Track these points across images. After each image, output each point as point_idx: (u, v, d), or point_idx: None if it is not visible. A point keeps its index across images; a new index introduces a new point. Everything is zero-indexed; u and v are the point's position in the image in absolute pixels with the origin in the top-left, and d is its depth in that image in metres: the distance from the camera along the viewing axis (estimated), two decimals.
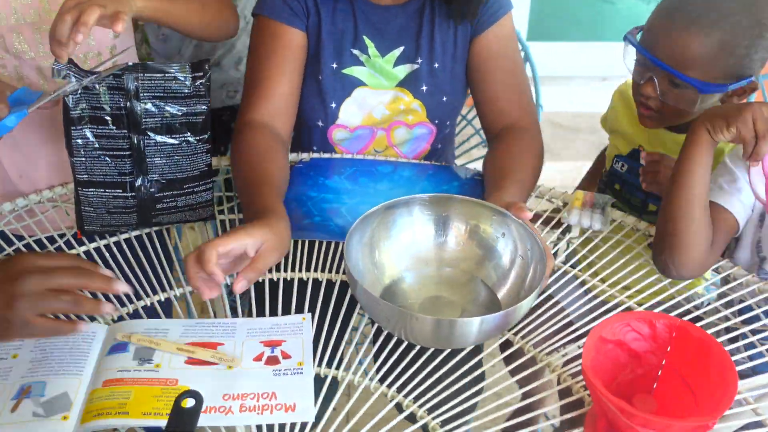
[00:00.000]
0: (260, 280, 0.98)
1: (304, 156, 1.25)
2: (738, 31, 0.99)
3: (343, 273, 1.01)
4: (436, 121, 1.25)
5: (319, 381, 0.85)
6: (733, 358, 0.85)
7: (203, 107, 1.01)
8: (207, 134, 1.03)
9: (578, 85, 3.12)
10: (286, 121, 1.19)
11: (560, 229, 1.15)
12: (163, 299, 0.98)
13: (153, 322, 0.91)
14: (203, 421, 0.78)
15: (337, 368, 0.87)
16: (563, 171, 2.63)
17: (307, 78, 1.21)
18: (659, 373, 0.78)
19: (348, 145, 1.28)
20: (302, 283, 0.99)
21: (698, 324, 0.92)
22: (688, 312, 0.97)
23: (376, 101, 1.23)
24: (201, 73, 0.98)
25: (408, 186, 1.21)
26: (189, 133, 1.01)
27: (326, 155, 1.27)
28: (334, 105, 1.22)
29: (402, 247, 0.98)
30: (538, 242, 0.89)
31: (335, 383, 0.86)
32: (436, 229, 0.99)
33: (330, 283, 1.00)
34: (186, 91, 0.99)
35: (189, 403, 0.76)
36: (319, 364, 0.87)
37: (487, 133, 1.25)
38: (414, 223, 0.98)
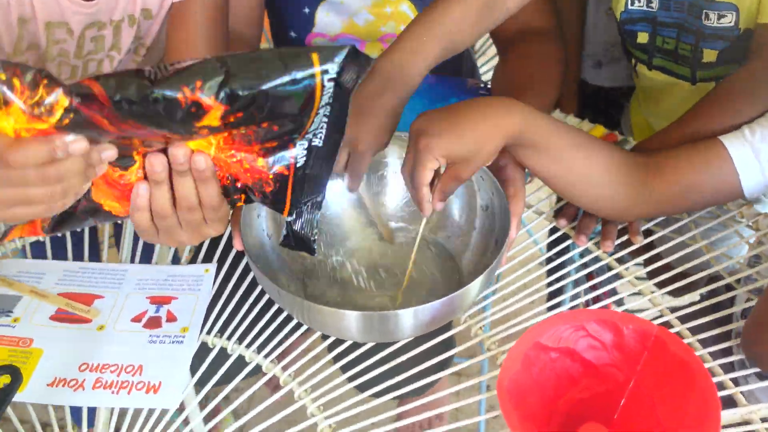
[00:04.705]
0: None
1: None
2: None
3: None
4: None
5: (206, 351, 0.69)
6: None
7: None
8: None
9: None
10: (256, 27, 1.00)
11: None
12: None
13: (31, 263, 0.77)
14: (43, 397, 0.64)
15: (229, 338, 0.70)
16: None
17: None
18: (625, 395, 0.56)
19: None
20: None
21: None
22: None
23: (357, 4, 0.99)
24: None
25: None
26: None
27: None
28: (307, 10, 1.00)
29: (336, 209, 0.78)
30: (507, 206, 0.68)
31: (224, 355, 0.69)
32: (379, 179, 0.77)
33: None
34: None
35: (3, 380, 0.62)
36: (209, 332, 0.71)
37: (496, 40, 0.99)
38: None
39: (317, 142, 0.55)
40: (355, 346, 0.69)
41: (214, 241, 0.79)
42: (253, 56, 0.45)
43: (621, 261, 0.77)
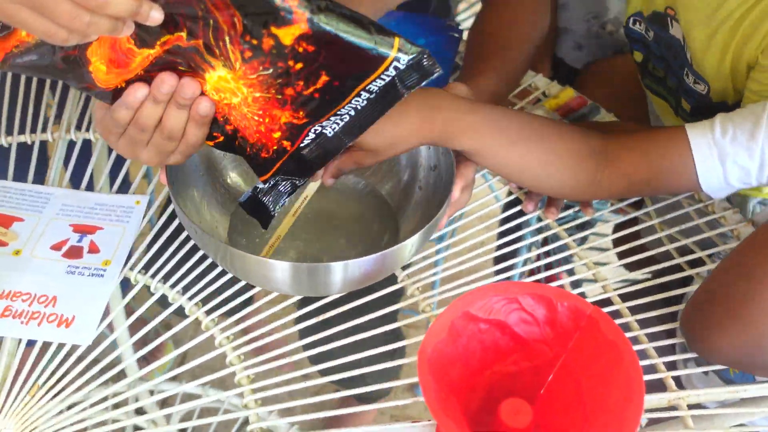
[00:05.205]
0: None
1: None
2: None
3: None
4: None
5: (128, 287, 0.66)
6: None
7: None
8: None
9: None
10: None
11: None
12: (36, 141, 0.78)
13: None
14: None
15: (154, 276, 0.66)
16: None
17: None
18: (552, 373, 0.54)
19: None
20: None
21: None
22: None
23: None
24: None
25: None
26: None
27: None
28: None
29: None
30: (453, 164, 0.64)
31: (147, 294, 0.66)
32: None
33: None
34: None
35: None
36: (133, 267, 0.67)
37: None
38: None
39: (328, 131, 0.54)
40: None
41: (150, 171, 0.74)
42: (350, 11, 0.47)
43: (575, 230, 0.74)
